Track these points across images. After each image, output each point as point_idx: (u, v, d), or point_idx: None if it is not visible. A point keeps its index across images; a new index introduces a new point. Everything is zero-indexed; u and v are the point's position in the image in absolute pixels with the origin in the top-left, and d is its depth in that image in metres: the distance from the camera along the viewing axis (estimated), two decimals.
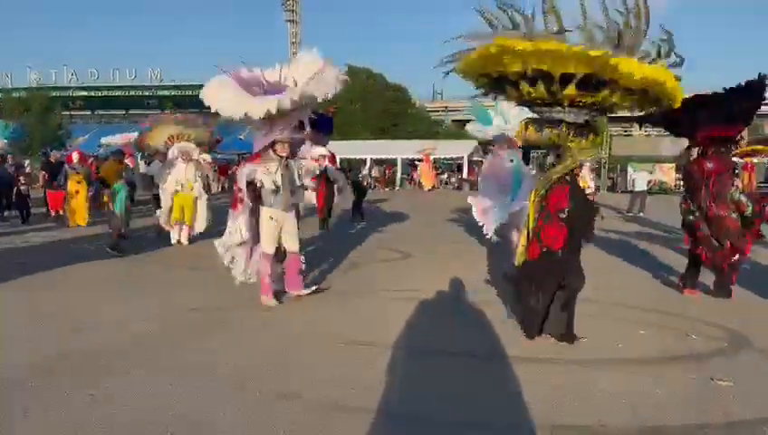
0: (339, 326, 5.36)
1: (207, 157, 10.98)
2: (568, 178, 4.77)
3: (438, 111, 69.70)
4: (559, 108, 4.60)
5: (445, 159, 37.92)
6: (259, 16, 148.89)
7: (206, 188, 10.60)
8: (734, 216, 6.21)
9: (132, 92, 54.71)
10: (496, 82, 4.73)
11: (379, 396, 3.71)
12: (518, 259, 4.98)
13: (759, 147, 20.41)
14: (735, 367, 4.33)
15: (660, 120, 6.74)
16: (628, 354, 4.58)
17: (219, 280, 6.47)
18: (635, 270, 8.29)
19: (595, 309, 5.93)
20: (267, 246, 6.05)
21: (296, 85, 5.88)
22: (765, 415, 3.50)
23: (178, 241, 10.20)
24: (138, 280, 7.37)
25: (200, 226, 10.34)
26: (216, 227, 11.23)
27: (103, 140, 22.57)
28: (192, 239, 10.27)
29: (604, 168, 33.55)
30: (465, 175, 34.22)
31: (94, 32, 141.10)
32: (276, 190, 5.92)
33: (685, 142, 7.16)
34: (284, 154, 6.02)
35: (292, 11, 51.10)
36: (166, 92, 51.86)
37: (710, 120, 6.06)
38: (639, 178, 18.81)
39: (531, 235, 4.80)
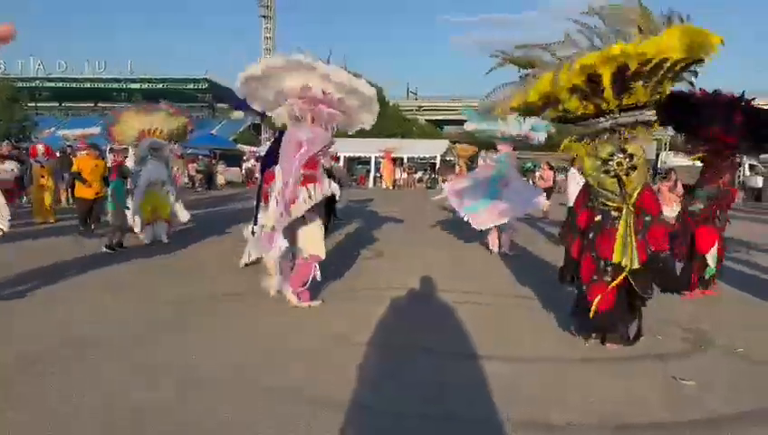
0: (324, 322, 5.39)
1: (176, 148, 10.78)
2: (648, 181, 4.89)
3: (412, 109, 69.87)
4: (608, 116, 4.61)
5: (418, 158, 38.05)
6: (232, 12, 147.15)
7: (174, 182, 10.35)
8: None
9: (101, 85, 53.69)
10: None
11: (362, 391, 3.77)
12: (632, 263, 4.64)
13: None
14: (698, 366, 4.48)
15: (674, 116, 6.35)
16: (597, 354, 4.70)
17: (201, 275, 6.43)
18: None
19: (564, 309, 6.08)
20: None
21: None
22: (725, 413, 3.64)
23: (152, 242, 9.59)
24: (118, 275, 7.26)
25: (183, 216, 10.14)
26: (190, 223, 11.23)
27: (61, 133, 21.97)
28: (171, 236, 9.92)
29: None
30: (437, 174, 34.41)
31: (63, 22, 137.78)
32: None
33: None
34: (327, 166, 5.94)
35: (267, 6, 50.64)
36: (135, 85, 51.01)
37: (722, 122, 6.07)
38: None
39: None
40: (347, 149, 35.68)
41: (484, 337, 4.97)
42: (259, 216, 6.30)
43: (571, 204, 9.28)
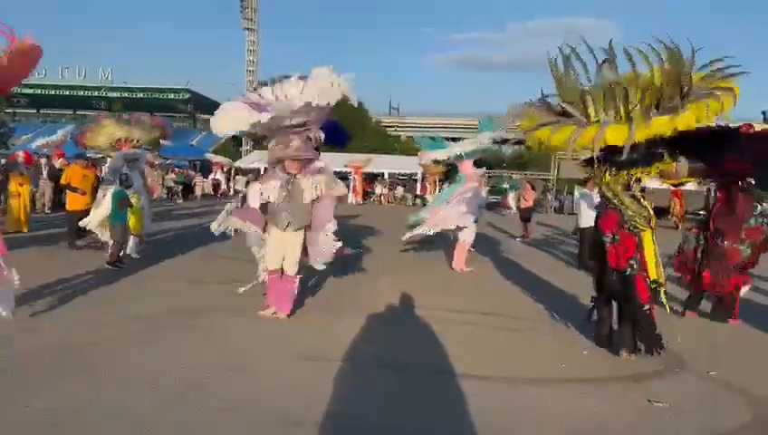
0: (293, 340, 5.30)
1: (152, 157, 10.61)
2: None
3: (394, 126, 70.24)
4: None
5: (399, 174, 38.09)
6: (216, 23, 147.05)
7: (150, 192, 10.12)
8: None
9: (81, 92, 53.13)
10: None
11: (327, 408, 3.69)
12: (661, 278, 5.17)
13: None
14: (671, 388, 4.49)
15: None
16: (571, 374, 4.70)
17: (177, 290, 6.30)
18: (582, 291, 8.41)
19: (539, 329, 6.08)
20: (269, 262, 5.97)
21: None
22: None
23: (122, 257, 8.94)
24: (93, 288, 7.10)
25: (149, 228, 10.02)
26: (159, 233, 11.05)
27: (35, 145, 21.48)
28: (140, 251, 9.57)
29: (550, 190, 34.45)
30: (419, 191, 34.42)
31: (43, 28, 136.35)
32: (277, 209, 5.79)
33: None
34: (294, 171, 5.82)
35: (251, 19, 50.68)
36: (115, 94, 50.60)
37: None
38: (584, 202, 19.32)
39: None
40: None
41: (457, 354, 4.93)
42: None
43: (583, 225, 9.59)
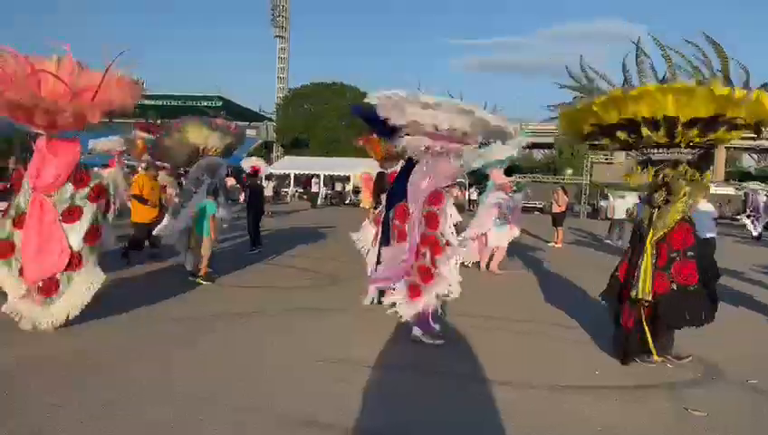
0: (313, 343, 5.34)
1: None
2: (687, 217, 4.92)
3: None
4: (672, 149, 4.82)
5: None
6: (247, 31, 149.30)
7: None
8: None
9: None
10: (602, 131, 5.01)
11: (350, 412, 3.73)
12: (640, 293, 4.88)
13: None
14: (709, 397, 4.41)
15: None
16: (606, 382, 4.64)
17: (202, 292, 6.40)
18: None
19: (573, 336, 6.01)
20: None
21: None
22: None
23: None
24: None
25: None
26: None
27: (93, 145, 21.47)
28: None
29: (584, 194, 33.98)
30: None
31: (77, 37, 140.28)
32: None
33: None
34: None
35: (282, 27, 51.40)
36: (150, 102, 51.62)
37: None
38: (619, 206, 18.91)
39: (653, 271, 4.86)
40: (326, 168, 35.84)
41: (489, 361, 4.92)
42: (383, 250, 5.98)
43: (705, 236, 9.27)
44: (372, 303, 6.58)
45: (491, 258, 10.22)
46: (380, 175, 8.99)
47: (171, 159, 9.29)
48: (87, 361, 4.52)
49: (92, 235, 5.40)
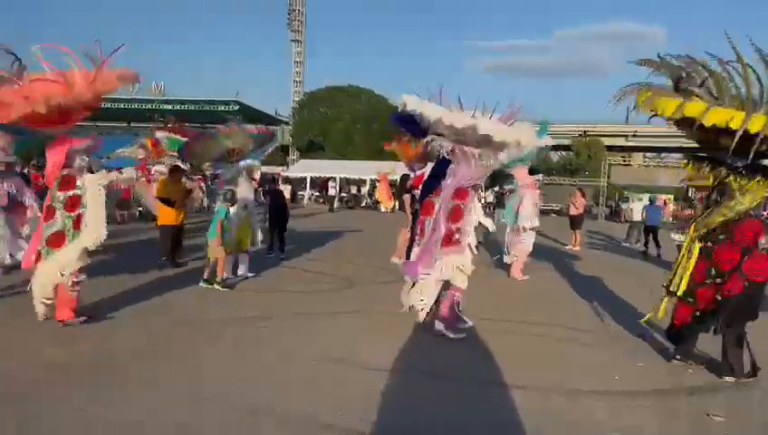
0: (323, 345, 5.36)
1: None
2: (753, 211, 4.90)
3: None
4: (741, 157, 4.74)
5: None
6: (262, 35, 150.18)
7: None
8: None
9: (135, 105, 55.00)
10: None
11: (377, 418, 3.74)
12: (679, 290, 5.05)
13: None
14: (729, 402, 4.36)
15: None
16: (625, 386, 4.61)
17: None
18: (635, 301, 8.20)
19: (592, 339, 5.97)
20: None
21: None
22: None
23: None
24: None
25: (258, 240, 9.16)
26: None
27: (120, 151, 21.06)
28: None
29: (602, 196, 33.64)
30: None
31: (90, 39, 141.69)
32: None
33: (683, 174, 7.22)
34: None
35: (298, 31, 51.71)
36: (168, 106, 52.17)
37: None
38: (637, 209, 18.73)
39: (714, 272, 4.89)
40: (342, 171, 35.79)
41: (506, 364, 4.91)
42: (415, 243, 6.11)
43: None
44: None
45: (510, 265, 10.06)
46: (405, 177, 8.99)
47: (201, 158, 9.38)
48: (101, 362, 4.59)
49: (56, 240, 5.52)
